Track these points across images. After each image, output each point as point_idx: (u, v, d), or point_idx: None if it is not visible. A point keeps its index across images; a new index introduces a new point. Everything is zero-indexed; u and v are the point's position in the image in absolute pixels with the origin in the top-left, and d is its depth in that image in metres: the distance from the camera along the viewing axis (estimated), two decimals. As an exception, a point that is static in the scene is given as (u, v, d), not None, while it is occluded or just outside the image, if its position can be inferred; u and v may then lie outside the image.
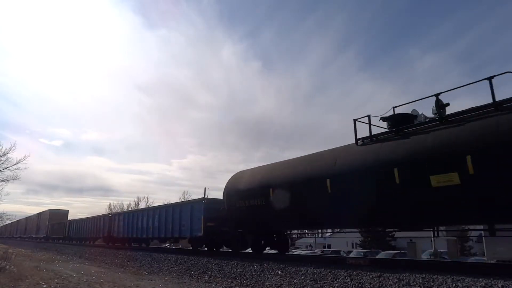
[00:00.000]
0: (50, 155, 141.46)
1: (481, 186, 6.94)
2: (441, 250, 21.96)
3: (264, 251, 15.72)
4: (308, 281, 8.13)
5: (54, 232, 42.99)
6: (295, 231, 20.55)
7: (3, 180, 23.96)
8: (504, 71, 7.44)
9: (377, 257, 20.02)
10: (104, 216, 29.64)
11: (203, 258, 12.90)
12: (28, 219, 59.25)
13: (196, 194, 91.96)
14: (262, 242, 13.97)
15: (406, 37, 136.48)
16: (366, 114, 9.96)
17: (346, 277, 7.76)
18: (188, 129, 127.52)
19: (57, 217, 45.14)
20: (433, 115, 21.76)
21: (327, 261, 10.56)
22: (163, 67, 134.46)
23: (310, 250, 37.52)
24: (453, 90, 9.17)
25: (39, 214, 51.40)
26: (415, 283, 6.64)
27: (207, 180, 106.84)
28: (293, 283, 8.26)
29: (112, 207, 71.07)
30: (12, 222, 68.10)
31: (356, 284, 7.31)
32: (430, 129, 8.53)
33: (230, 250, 15.63)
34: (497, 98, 7.47)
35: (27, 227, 58.06)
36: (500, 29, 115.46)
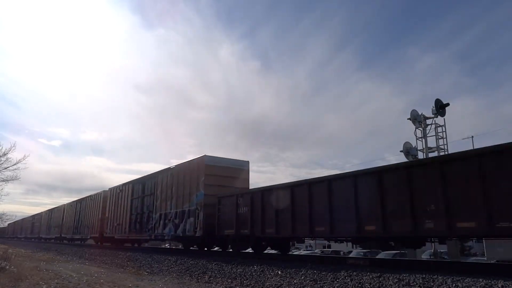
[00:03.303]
0: (49, 155, 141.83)
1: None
2: (441, 250, 21.94)
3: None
4: (308, 281, 8.14)
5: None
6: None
7: (3, 181, 23.78)
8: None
9: (377, 257, 20.00)
10: None
11: (203, 259, 12.92)
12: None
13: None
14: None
15: (405, 37, 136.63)
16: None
17: (346, 277, 7.76)
18: (187, 129, 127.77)
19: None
20: (432, 115, 21.76)
21: (327, 261, 10.56)
22: (161, 67, 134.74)
23: (310, 250, 37.51)
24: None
25: None
26: (415, 283, 6.65)
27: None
28: (293, 283, 8.26)
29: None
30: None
31: (356, 284, 7.31)
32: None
33: (230, 250, 15.49)
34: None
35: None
36: (499, 28, 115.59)
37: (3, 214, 30.71)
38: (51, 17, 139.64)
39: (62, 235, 38.86)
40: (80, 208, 33.16)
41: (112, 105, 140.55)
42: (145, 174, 21.78)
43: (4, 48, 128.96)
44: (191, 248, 18.37)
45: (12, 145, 23.05)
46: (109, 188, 26.78)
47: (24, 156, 23.46)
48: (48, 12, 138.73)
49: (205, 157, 16.08)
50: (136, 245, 26.29)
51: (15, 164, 22.94)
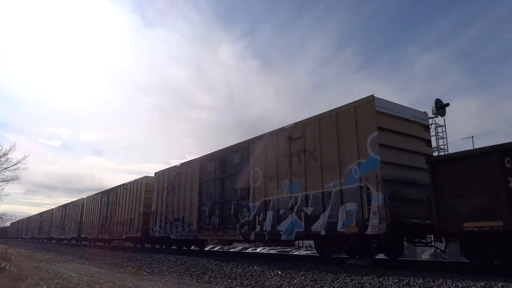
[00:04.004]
0: (49, 155, 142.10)
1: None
2: (441, 250, 21.91)
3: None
4: (308, 281, 8.14)
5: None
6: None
7: (3, 181, 23.88)
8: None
9: (377, 257, 19.99)
10: None
11: (203, 259, 12.93)
12: None
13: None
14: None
15: (405, 35, 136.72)
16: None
17: (346, 277, 7.76)
18: (188, 129, 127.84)
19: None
20: (432, 115, 21.83)
21: (327, 262, 10.55)
22: (161, 67, 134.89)
23: (311, 250, 37.51)
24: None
25: None
26: (415, 283, 6.65)
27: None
28: (293, 283, 8.26)
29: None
30: None
31: (356, 284, 7.31)
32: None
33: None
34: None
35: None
36: (500, 27, 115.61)
37: (3, 214, 30.83)
38: (51, 17, 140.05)
39: (82, 235, 32.81)
40: (108, 202, 27.35)
41: (112, 105, 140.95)
42: (217, 149, 15.73)
43: (4, 49, 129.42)
44: (333, 255, 10.86)
45: (12, 145, 23.20)
46: (155, 173, 21.23)
47: (24, 156, 23.62)
48: (48, 12, 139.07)
49: (374, 99, 9.37)
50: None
51: (15, 164, 23.09)
